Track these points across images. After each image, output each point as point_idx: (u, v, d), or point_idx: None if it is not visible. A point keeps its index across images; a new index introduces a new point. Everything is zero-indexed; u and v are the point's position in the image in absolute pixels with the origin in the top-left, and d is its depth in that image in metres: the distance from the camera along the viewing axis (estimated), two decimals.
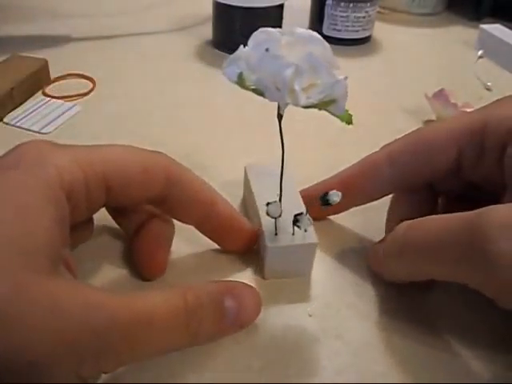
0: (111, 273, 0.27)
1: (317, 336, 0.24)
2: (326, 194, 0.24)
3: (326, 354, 0.23)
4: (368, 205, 0.29)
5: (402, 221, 0.24)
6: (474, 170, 0.26)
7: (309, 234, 0.26)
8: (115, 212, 0.28)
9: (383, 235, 0.27)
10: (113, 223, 0.28)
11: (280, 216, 0.25)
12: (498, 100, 0.26)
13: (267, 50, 0.21)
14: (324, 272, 0.27)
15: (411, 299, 0.26)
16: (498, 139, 0.24)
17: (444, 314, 0.25)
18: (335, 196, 0.24)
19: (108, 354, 0.18)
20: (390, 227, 0.27)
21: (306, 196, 0.28)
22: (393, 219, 0.28)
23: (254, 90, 0.22)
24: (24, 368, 0.17)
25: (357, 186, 0.28)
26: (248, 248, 0.28)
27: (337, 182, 0.29)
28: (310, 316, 0.25)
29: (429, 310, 0.26)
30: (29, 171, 0.21)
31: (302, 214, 0.25)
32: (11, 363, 0.17)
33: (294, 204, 0.27)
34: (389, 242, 0.25)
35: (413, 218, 0.24)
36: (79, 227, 0.25)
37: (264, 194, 0.27)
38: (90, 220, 0.27)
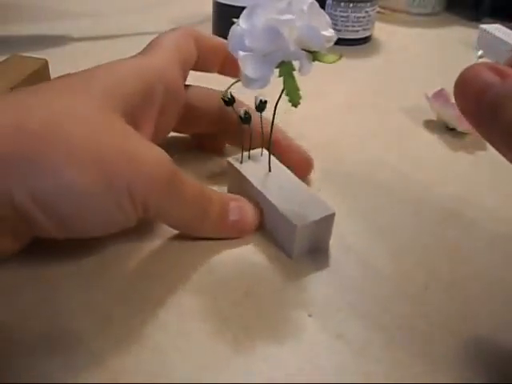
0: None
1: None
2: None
3: (326, 354, 0.23)
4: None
5: None
6: None
7: (322, 205, 0.27)
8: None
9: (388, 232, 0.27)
10: None
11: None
12: None
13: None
14: (323, 271, 0.28)
15: (412, 298, 0.26)
16: None
17: (445, 314, 0.26)
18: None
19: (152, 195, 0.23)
20: None
21: None
22: None
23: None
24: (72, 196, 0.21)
25: None
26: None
27: None
28: (310, 316, 0.25)
29: (429, 310, 0.26)
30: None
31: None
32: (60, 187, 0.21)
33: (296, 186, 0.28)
34: None
35: None
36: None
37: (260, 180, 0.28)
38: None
